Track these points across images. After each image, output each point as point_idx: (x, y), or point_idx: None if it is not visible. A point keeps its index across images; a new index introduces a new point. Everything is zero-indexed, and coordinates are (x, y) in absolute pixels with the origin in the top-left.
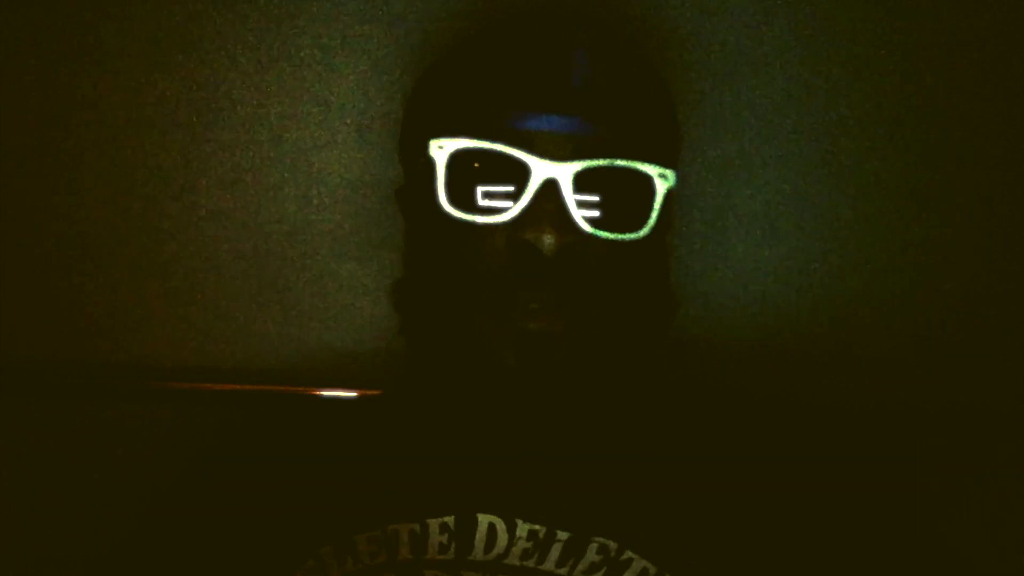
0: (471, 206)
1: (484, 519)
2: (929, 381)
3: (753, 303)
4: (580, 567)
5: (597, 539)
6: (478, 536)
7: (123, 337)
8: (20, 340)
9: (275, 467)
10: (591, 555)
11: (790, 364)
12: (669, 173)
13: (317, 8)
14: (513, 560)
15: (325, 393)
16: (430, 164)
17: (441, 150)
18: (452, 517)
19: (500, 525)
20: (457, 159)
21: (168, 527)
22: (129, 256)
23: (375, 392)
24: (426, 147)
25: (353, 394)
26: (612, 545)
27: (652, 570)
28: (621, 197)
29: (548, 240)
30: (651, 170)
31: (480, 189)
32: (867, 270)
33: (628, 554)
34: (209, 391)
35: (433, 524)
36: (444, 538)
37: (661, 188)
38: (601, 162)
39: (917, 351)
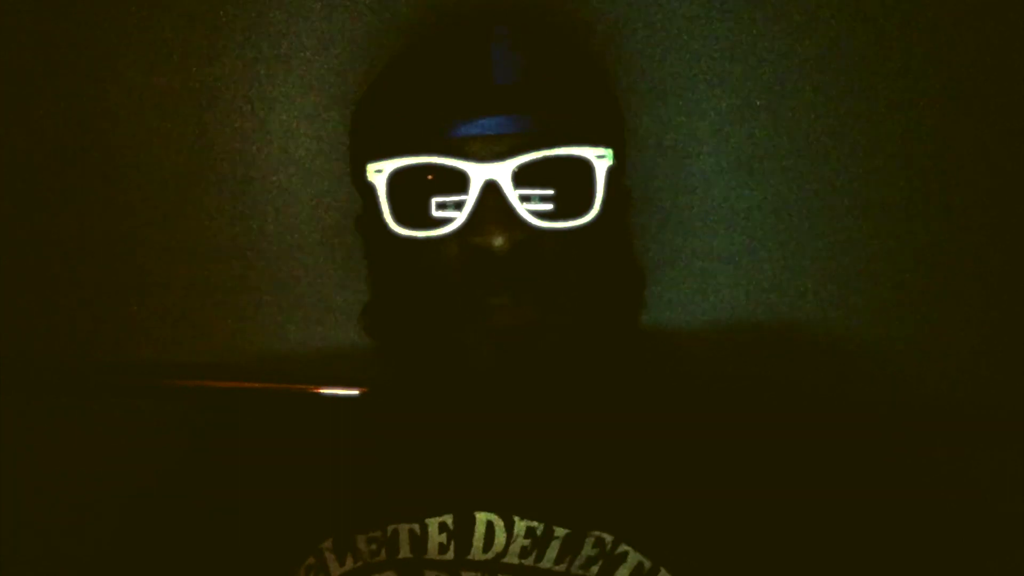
0: (419, 222)
1: (482, 517)
2: (927, 379)
3: (749, 301)
4: (577, 563)
5: (594, 533)
6: (476, 535)
7: (123, 336)
8: (20, 339)
9: (275, 464)
10: (587, 549)
11: (786, 361)
12: (607, 152)
13: (316, 7)
14: (512, 559)
15: (325, 391)
16: (371, 188)
17: (379, 173)
18: (450, 516)
19: (498, 523)
20: (397, 179)
21: (169, 523)
22: (129, 255)
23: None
24: (365, 172)
25: (354, 392)
26: (608, 538)
27: (647, 564)
28: (563, 185)
29: (498, 241)
30: (588, 152)
31: (428, 203)
32: (863, 268)
33: (624, 548)
34: (209, 389)
35: (432, 524)
36: (443, 538)
37: (601, 169)
38: (536, 155)
39: (916, 348)
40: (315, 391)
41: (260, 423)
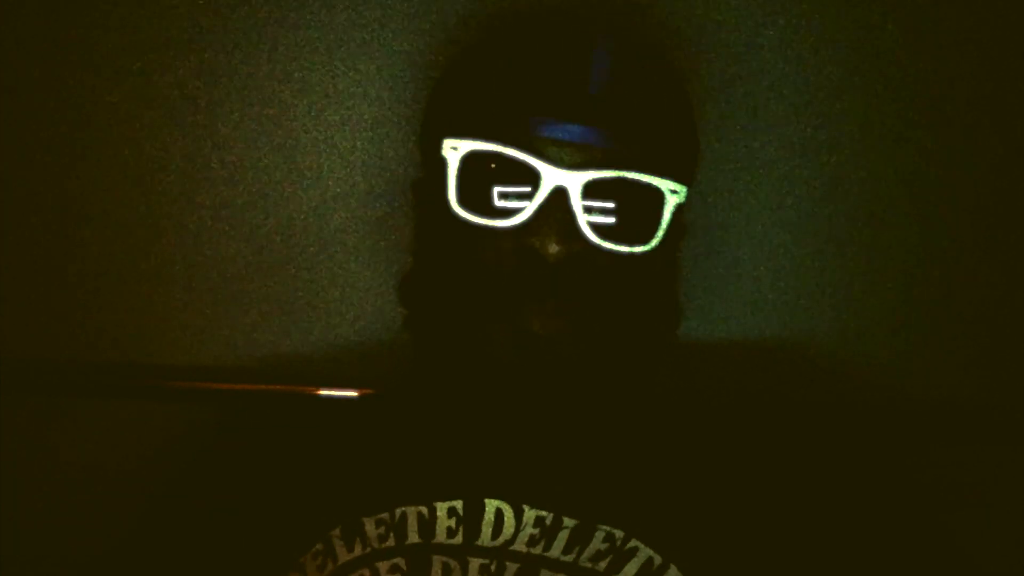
0: (481, 208)
1: (492, 504)
2: (930, 381)
3: (757, 304)
4: (586, 555)
5: (603, 527)
6: (485, 521)
7: (124, 336)
8: (21, 339)
9: (283, 453)
10: (597, 543)
11: (793, 364)
12: (681, 188)
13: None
14: (520, 547)
15: (326, 393)
16: (442, 163)
17: (454, 151)
18: (460, 501)
19: (507, 511)
20: (469, 160)
21: (177, 516)
22: (130, 255)
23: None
24: (440, 146)
25: (354, 393)
26: (618, 533)
27: (657, 560)
28: (630, 209)
29: (553, 248)
30: (662, 184)
31: (492, 191)
32: (870, 273)
33: (634, 543)
34: (211, 390)
35: (441, 508)
36: (452, 522)
37: (671, 203)
38: (612, 173)
39: (919, 351)
40: (316, 393)
41: (266, 417)
